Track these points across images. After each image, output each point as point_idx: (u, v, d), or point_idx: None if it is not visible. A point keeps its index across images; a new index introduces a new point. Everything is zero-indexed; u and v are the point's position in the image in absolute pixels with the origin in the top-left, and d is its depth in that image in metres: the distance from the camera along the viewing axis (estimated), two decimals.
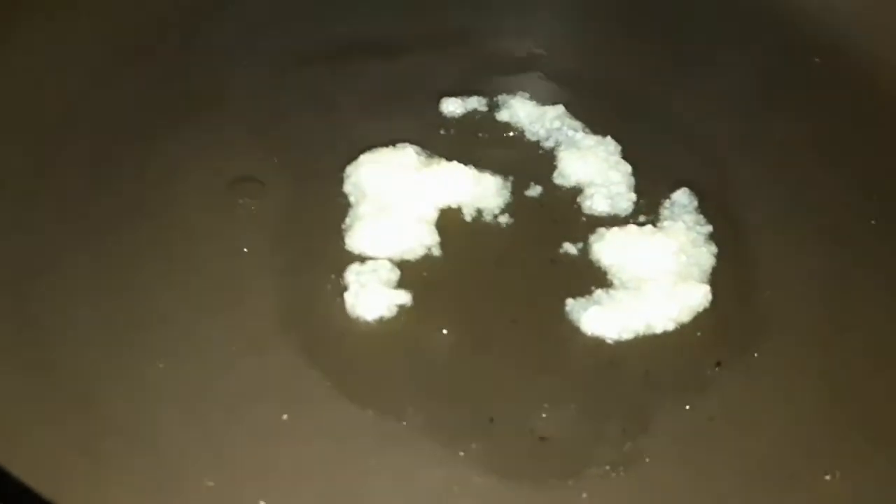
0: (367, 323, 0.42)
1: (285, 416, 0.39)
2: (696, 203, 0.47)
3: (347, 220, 0.45)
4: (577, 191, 0.47)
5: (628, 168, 0.47)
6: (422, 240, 0.45)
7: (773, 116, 0.52)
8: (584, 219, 0.46)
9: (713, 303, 0.43)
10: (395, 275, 0.43)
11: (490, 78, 0.52)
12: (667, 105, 0.52)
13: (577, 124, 0.49)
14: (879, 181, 0.49)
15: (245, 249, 0.44)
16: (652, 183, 0.47)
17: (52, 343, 0.41)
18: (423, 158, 0.47)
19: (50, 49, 0.50)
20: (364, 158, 0.47)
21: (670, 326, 0.43)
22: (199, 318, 0.42)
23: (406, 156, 0.47)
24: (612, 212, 0.46)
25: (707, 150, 0.50)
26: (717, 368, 0.42)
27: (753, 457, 0.40)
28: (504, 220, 0.46)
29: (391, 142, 0.47)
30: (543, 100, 0.50)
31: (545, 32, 0.55)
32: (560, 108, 0.50)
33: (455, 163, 0.46)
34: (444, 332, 0.42)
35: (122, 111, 0.49)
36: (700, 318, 0.43)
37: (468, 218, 0.46)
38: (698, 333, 0.43)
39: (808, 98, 0.53)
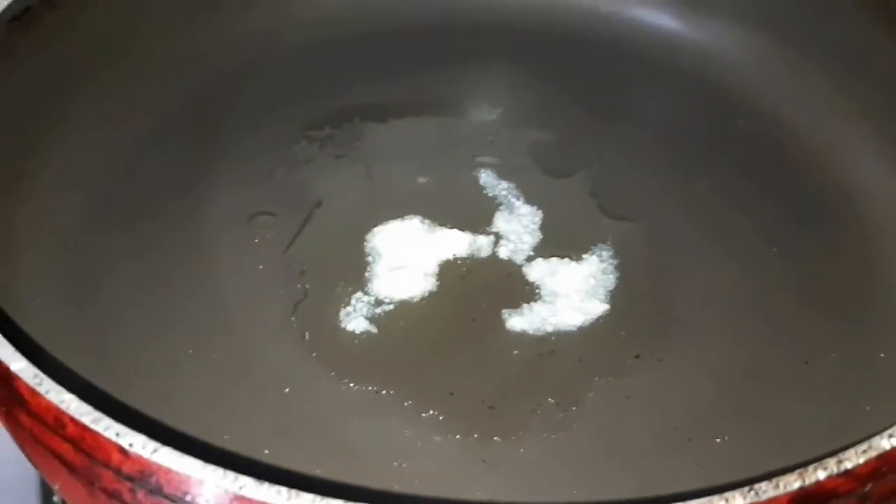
0: (357, 326, 0.53)
1: (287, 390, 0.50)
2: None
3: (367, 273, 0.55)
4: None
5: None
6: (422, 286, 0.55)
7: (694, 171, 0.61)
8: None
9: (636, 309, 0.54)
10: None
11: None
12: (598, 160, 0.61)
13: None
14: (781, 221, 0.58)
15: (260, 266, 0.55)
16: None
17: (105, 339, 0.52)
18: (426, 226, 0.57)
19: (103, 124, 0.60)
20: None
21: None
22: (220, 315, 0.53)
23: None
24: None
25: (632, 203, 0.59)
26: (636, 359, 0.52)
27: (659, 425, 0.49)
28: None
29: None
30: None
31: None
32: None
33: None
34: (426, 333, 0.52)
35: (162, 170, 0.59)
36: (626, 323, 0.53)
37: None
38: (622, 332, 0.53)
39: (729, 155, 0.62)
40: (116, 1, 0.60)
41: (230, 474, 0.35)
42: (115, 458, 0.35)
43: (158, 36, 0.62)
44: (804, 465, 0.35)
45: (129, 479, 0.35)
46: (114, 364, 0.50)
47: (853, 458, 0.34)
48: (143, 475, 0.35)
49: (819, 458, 0.35)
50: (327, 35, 0.66)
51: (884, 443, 0.35)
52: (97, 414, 0.35)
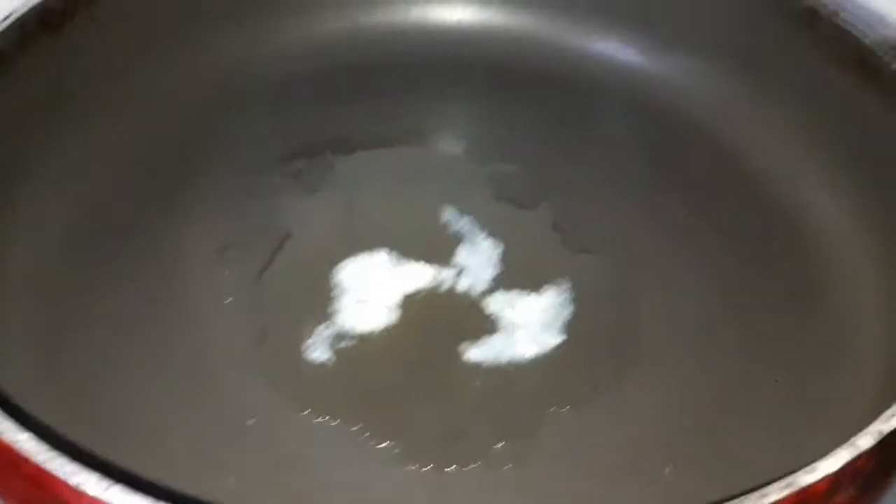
0: (322, 358, 0.54)
1: (250, 422, 0.51)
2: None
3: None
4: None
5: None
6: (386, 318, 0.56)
7: (655, 204, 0.62)
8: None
9: (597, 340, 0.55)
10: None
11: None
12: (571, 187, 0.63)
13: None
14: (740, 253, 0.59)
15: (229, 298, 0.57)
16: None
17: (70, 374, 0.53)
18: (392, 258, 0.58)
19: (73, 158, 0.61)
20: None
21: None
22: (187, 347, 0.54)
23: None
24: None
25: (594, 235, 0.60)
26: (594, 389, 0.53)
27: (616, 455, 0.50)
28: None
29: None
30: None
31: None
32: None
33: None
34: (388, 365, 0.54)
35: (132, 205, 0.60)
36: (587, 352, 0.55)
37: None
38: (581, 363, 0.54)
39: (690, 188, 0.63)
40: (87, 36, 0.61)
41: None
42: (68, 496, 0.36)
43: (129, 71, 0.63)
44: (730, 499, 0.36)
45: None
46: (77, 400, 0.51)
47: (775, 493, 0.35)
48: None
49: (744, 494, 0.36)
50: (297, 69, 0.68)
51: (804, 479, 0.36)
52: (51, 453, 0.37)
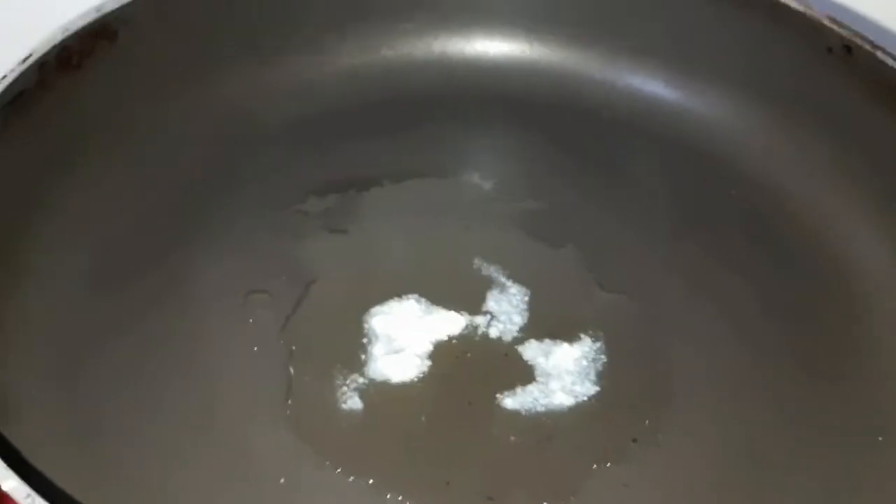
0: (354, 411, 0.52)
1: (282, 480, 0.50)
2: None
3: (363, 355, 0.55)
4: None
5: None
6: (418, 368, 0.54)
7: (687, 242, 0.60)
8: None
9: (632, 391, 0.54)
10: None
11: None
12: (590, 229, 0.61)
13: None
14: (777, 292, 0.59)
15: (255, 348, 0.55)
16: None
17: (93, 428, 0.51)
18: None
19: (93, 203, 0.59)
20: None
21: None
22: (215, 402, 0.52)
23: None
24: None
25: (625, 276, 0.59)
26: (633, 443, 0.52)
27: None
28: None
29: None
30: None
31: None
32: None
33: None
34: (423, 418, 0.52)
35: (153, 251, 0.58)
36: (620, 405, 0.53)
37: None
38: (618, 415, 0.53)
39: (722, 226, 0.61)
40: (105, 75, 0.59)
41: None
42: None
43: (147, 110, 0.62)
44: None
45: None
46: (101, 454, 0.50)
47: None
48: None
49: None
50: (319, 106, 0.66)
51: None
52: None
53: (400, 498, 0.49)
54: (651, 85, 0.67)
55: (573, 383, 0.54)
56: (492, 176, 0.64)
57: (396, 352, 0.55)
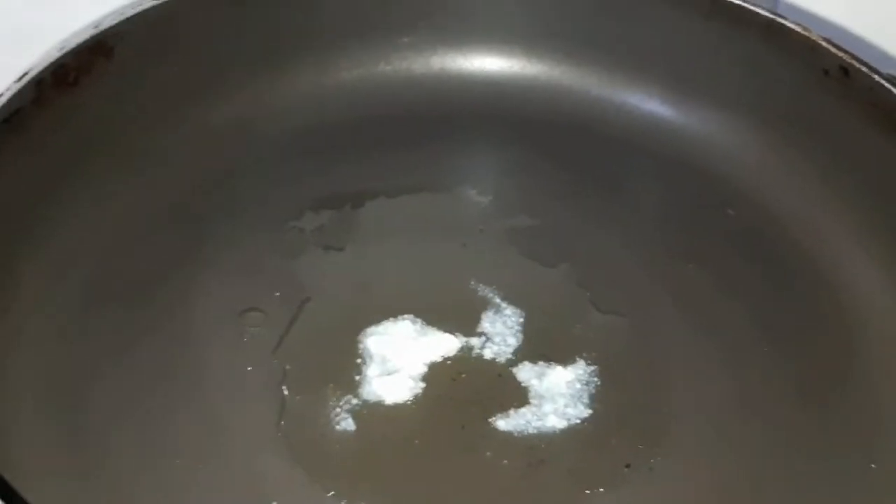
0: (347, 432, 0.52)
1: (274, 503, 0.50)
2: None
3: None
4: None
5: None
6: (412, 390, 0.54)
7: (682, 262, 0.60)
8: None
9: (626, 415, 0.54)
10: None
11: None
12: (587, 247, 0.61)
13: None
14: (772, 314, 0.58)
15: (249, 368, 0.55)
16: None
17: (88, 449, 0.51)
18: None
19: (89, 221, 0.59)
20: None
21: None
22: (207, 423, 0.52)
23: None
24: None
25: (620, 295, 0.59)
26: (626, 468, 0.52)
27: None
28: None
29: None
30: None
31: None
32: None
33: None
34: (416, 441, 0.52)
35: (148, 268, 0.58)
36: (613, 429, 0.53)
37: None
38: (612, 440, 0.53)
39: (718, 245, 0.61)
40: (102, 93, 0.59)
41: None
42: None
43: (143, 127, 0.62)
44: None
45: None
46: (96, 475, 0.50)
47: None
48: None
49: None
50: (316, 121, 0.66)
51: None
52: None
53: None
54: (648, 103, 0.67)
55: (566, 406, 0.54)
56: (488, 192, 0.64)
57: (391, 373, 0.55)
